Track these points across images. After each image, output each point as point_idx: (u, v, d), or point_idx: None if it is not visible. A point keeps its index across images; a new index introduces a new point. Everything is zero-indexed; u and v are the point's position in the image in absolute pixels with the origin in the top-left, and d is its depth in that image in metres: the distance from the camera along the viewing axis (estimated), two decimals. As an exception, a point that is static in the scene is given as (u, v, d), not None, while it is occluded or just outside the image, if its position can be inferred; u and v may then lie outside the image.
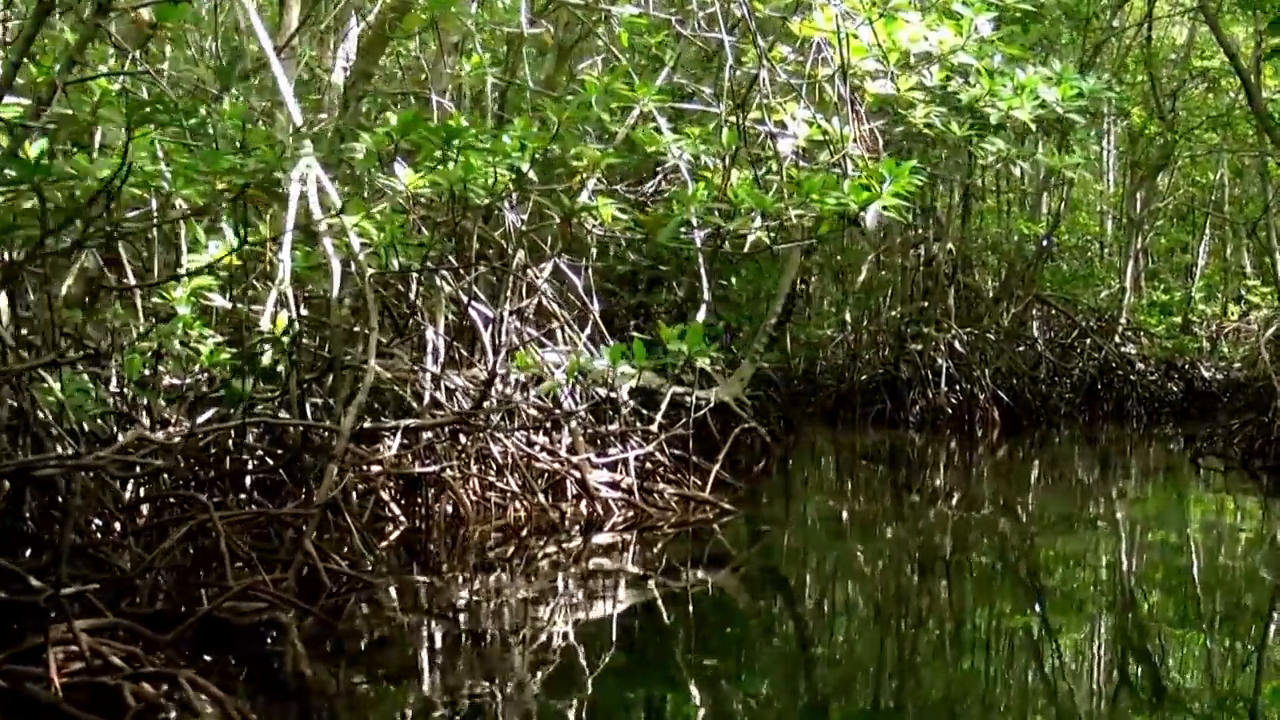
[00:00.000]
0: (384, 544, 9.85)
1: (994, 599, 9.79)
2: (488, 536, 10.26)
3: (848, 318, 26.27)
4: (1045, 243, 23.36)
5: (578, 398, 11.64)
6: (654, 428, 11.72)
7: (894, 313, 24.84)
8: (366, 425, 10.05)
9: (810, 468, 18.44)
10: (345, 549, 8.90)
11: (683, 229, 9.76)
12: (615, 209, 8.67)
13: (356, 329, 9.71)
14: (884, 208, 8.62)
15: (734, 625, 8.60)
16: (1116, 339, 25.44)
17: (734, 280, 17.34)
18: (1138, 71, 23.05)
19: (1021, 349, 24.41)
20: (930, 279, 23.81)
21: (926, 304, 23.54)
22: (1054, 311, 25.42)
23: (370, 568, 8.82)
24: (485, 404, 10.10)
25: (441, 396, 10.80)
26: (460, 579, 9.26)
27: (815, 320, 26.77)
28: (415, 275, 10.50)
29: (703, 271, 12.25)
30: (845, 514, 13.74)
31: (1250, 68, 17.48)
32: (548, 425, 11.47)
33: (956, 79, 10.67)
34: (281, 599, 7.04)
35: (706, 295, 12.31)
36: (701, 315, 12.33)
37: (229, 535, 7.25)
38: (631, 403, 12.20)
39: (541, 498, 10.39)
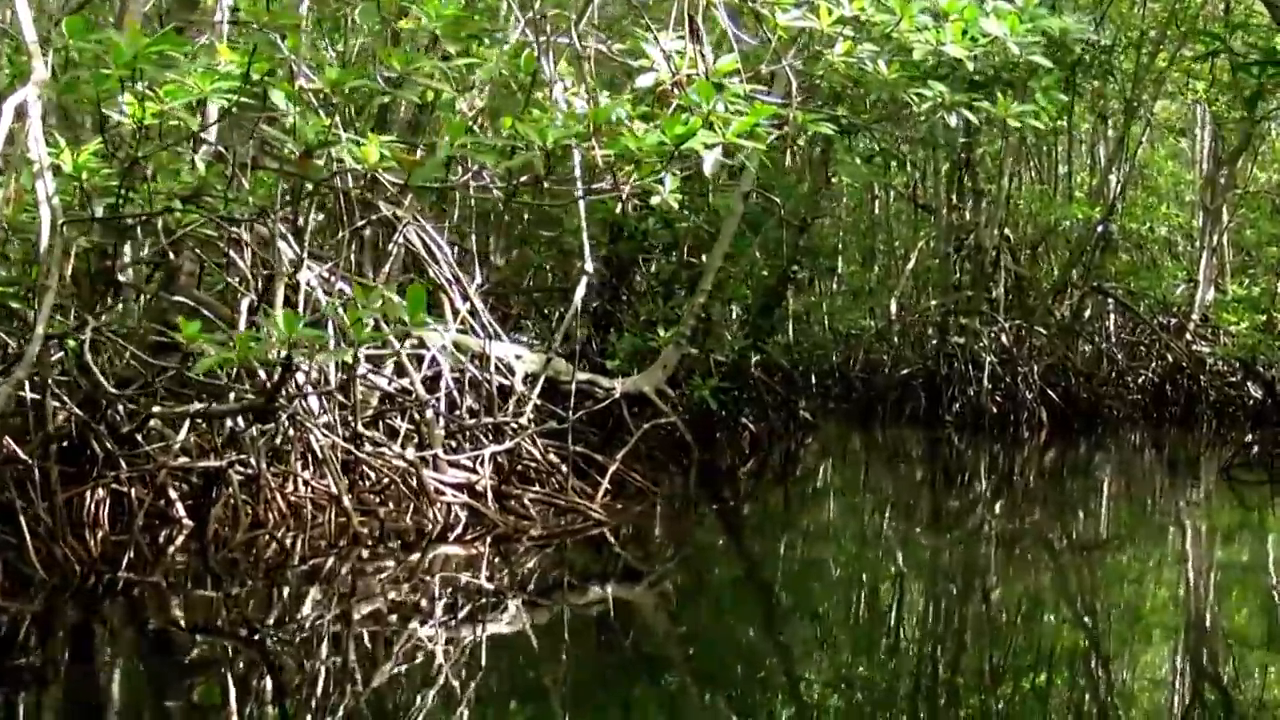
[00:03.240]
0: (171, 550, 8.44)
1: (974, 650, 7.70)
2: (294, 545, 8.65)
3: (893, 306, 24.37)
4: (1101, 228, 21.10)
5: (447, 383, 9.99)
6: (524, 420, 9.91)
7: (934, 302, 22.81)
8: (156, 410, 8.55)
9: (811, 469, 16.59)
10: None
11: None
12: (384, 148, 6.98)
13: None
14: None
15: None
16: (1188, 336, 23.13)
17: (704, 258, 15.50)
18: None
19: (1086, 347, 22.35)
20: (977, 267, 21.72)
21: (971, 293, 21.47)
22: (1119, 305, 23.20)
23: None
24: (285, 386, 8.46)
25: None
26: (221, 595, 7.76)
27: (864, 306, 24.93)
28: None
29: (584, 238, 10.45)
30: (813, 525, 11.97)
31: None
32: (411, 415, 9.85)
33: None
34: None
35: (588, 266, 10.49)
36: (581, 290, 10.54)
37: None
38: (522, 389, 10.50)
39: (349, 501, 8.67)
